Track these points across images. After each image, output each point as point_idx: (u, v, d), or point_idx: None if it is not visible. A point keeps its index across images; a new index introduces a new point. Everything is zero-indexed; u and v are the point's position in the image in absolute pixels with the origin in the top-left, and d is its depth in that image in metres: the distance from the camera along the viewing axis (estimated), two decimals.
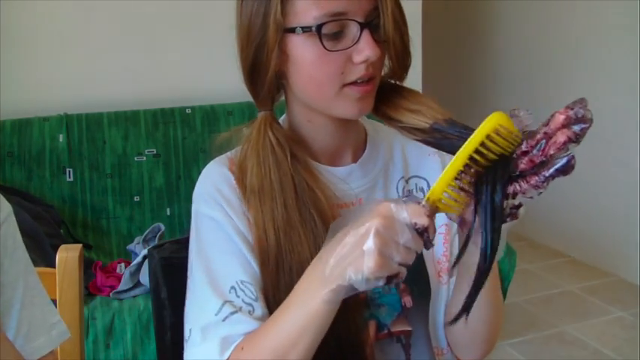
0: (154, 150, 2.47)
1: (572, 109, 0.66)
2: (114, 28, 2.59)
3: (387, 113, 0.86)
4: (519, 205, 0.71)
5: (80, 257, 1.03)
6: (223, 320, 0.80)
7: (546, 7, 3.63)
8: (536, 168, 0.66)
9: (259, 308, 0.81)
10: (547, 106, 3.80)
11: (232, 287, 0.81)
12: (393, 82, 0.88)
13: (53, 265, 1.00)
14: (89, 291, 2.05)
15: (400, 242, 0.66)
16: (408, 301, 0.91)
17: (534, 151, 0.66)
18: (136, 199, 2.44)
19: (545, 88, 3.70)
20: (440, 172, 0.89)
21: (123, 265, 2.16)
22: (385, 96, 0.87)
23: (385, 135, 0.96)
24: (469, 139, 0.67)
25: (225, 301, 0.81)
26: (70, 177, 2.37)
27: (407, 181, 0.95)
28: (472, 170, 0.68)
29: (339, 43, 0.79)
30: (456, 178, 0.68)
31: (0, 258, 0.77)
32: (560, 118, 0.65)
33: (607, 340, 2.67)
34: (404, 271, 0.68)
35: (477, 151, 0.67)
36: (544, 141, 0.66)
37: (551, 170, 0.66)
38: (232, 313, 0.80)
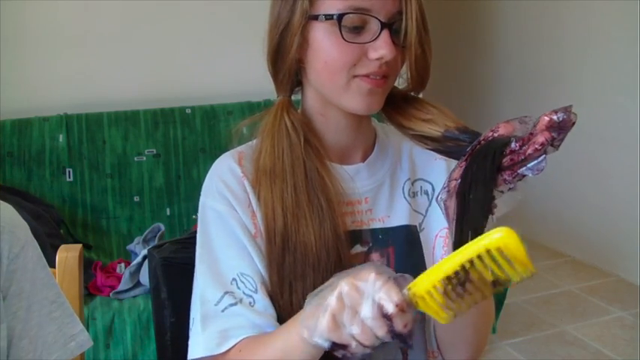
0: (154, 150, 2.47)
1: (556, 113, 0.67)
2: (114, 29, 2.59)
3: (400, 122, 0.89)
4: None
5: (80, 257, 1.03)
6: (222, 311, 0.82)
7: (546, 8, 3.63)
8: (514, 165, 0.69)
9: (260, 300, 0.83)
10: (547, 107, 3.78)
11: (234, 279, 0.84)
12: (396, 88, 0.91)
13: (53, 265, 1.00)
14: (89, 291, 2.05)
15: (360, 315, 0.64)
16: None
17: (517, 151, 0.69)
18: (136, 199, 2.44)
19: (545, 88, 3.70)
20: (445, 175, 0.87)
21: (123, 265, 2.16)
22: (398, 105, 0.90)
23: (394, 138, 0.98)
24: (466, 246, 0.61)
25: (226, 292, 0.83)
26: (70, 177, 2.37)
27: (413, 183, 0.96)
28: (462, 280, 0.62)
29: (358, 37, 0.82)
30: (443, 282, 0.62)
31: (20, 283, 0.78)
32: (545, 120, 0.68)
33: (607, 340, 2.67)
34: (357, 349, 0.65)
35: (471, 262, 0.60)
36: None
37: (523, 168, 0.68)
38: (232, 305, 0.82)
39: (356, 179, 0.92)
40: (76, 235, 2.33)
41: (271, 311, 0.84)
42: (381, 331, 0.64)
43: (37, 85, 2.51)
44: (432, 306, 0.64)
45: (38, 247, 0.82)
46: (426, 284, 0.63)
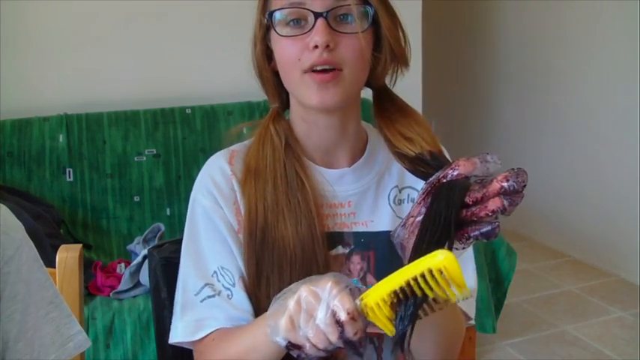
0: (154, 150, 2.47)
1: (508, 180, 0.67)
2: (114, 28, 2.59)
3: (387, 135, 0.92)
4: None
5: (80, 257, 1.03)
6: (201, 302, 0.88)
7: (546, 7, 3.63)
8: (465, 225, 0.69)
9: (237, 294, 0.88)
10: (546, 107, 3.80)
11: (215, 272, 0.90)
12: (395, 96, 0.94)
13: (53, 265, 1.00)
14: (89, 291, 2.05)
15: (315, 319, 0.68)
16: None
17: (470, 209, 0.68)
18: (136, 199, 2.44)
19: (544, 88, 3.70)
20: None
21: (123, 265, 2.16)
22: (390, 117, 0.92)
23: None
24: (412, 264, 0.66)
25: (206, 284, 0.89)
26: (70, 177, 2.37)
27: (400, 191, 0.98)
28: (406, 295, 0.67)
29: (298, 30, 0.85)
30: (390, 295, 0.67)
31: (16, 285, 0.77)
32: (497, 186, 0.67)
33: (607, 340, 2.67)
34: (311, 351, 0.69)
35: (415, 279, 0.65)
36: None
37: (476, 232, 0.69)
38: (210, 297, 0.88)
39: (339, 183, 0.94)
40: (76, 235, 2.33)
41: (247, 306, 0.89)
42: (333, 336, 0.68)
43: (37, 85, 2.51)
44: (380, 318, 0.68)
45: (34, 247, 0.81)
46: (375, 296, 0.67)
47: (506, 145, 4.02)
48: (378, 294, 0.67)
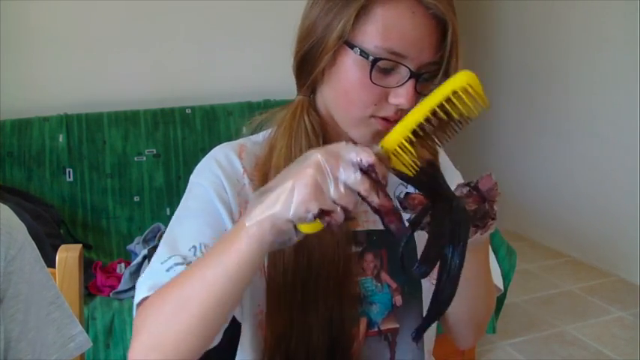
0: (154, 150, 2.47)
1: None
2: (114, 28, 2.59)
3: None
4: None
5: (80, 257, 1.03)
6: (167, 270, 0.77)
7: (546, 8, 3.63)
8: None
9: None
10: (546, 107, 3.80)
11: (193, 246, 0.80)
12: None
13: (53, 265, 1.00)
14: (89, 291, 2.05)
15: (340, 178, 0.63)
16: (398, 300, 0.93)
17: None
18: (136, 199, 2.44)
19: (544, 88, 3.70)
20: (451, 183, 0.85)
21: (123, 265, 2.16)
22: None
23: None
24: (434, 92, 0.63)
25: (175, 255, 0.79)
26: (70, 177, 2.37)
27: (407, 187, 0.96)
28: (431, 126, 0.64)
29: (385, 78, 0.81)
30: (414, 133, 0.64)
31: (18, 285, 0.78)
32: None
33: (607, 340, 2.67)
34: (339, 215, 0.63)
35: (440, 106, 0.64)
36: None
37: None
38: (177, 264, 0.77)
39: None
40: (76, 235, 2.33)
41: None
42: (364, 185, 0.63)
43: (37, 85, 2.51)
44: (404, 159, 0.65)
45: (36, 248, 0.81)
46: (396, 137, 0.64)
47: (506, 145, 4.02)
48: (400, 133, 0.64)
